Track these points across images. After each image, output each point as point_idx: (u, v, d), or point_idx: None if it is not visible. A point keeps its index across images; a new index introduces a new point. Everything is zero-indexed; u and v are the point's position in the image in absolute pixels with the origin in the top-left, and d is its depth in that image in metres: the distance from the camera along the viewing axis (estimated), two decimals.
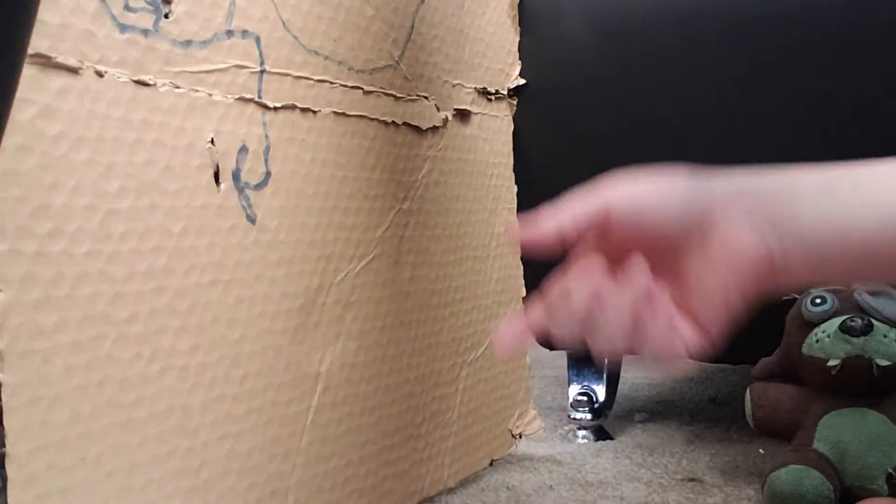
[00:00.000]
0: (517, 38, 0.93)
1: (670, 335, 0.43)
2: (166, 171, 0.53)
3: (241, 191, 0.59)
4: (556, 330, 0.44)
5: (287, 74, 0.62)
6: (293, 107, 0.62)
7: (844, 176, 0.44)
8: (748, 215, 0.43)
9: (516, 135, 0.92)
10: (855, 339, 0.72)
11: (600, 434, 1.01)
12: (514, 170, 0.92)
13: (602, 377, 1.04)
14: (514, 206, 0.91)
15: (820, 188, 0.43)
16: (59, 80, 0.47)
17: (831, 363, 0.72)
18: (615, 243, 0.45)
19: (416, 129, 0.76)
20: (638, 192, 0.45)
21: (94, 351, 0.49)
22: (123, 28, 0.51)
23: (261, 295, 0.60)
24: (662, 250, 0.45)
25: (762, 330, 0.82)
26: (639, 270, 0.42)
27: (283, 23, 0.61)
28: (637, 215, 0.44)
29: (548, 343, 1.15)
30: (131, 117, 0.51)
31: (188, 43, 0.54)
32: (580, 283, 0.42)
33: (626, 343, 0.43)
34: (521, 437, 0.93)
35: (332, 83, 0.66)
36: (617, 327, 0.42)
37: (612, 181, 0.45)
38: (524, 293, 0.92)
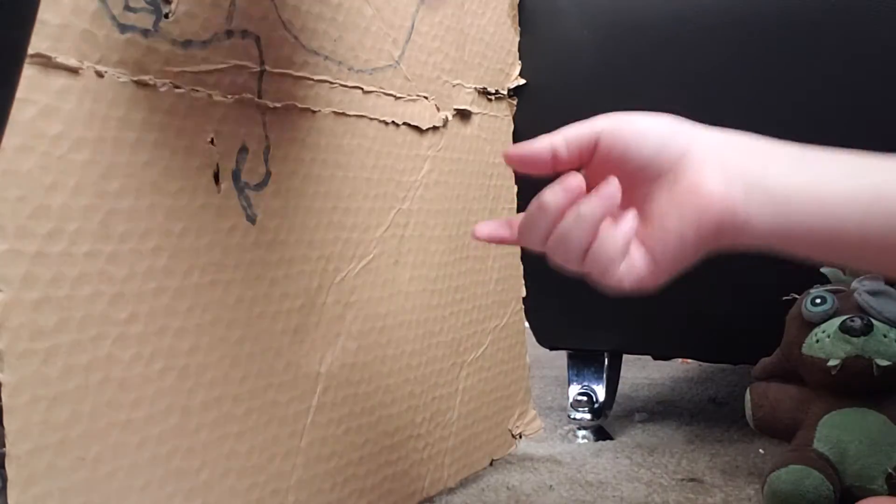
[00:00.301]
0: (517, 38, 0.93)
1: (622, 258, 0.44)
2: (166, 172, 0.53)
3: (241, 191, 0.59)
4: (525, 234, 0.46)
5: (287, 74, 0.62)
6: (293, 107, 0.62)
7: (819, 152, 0.45)
8: (721, 165, 0.45)
9: (516, 135, 0.92)
10: (855, 339, 0.72)
11: (600, 434, 1.01)
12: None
13: (602, 377, 1.04)
14: (514, 206, 0.91)
15: (793, 156, 0.45)
16: (59, 80, 0.47)
17: (831, 363, 0.72)
18: (598, 168, 0.47)
19: (416, 129, 0.76)
20: (627, 121, 0.47)
21: (95, 351, 0.49)
22: (123, 28, 0.51)
23: (261, 295, 0.60)
24: (637, 181, 0.47)
25: (762, 330, 0.82)
26: (611, 189, 0.44)
27: (283, 23, 0.61)
28: (622, 141, 0.46)
29: (548, 343, 1.15)
30: (131, 117, 0.51)
31: (188, 43, 0.54)
32: (555, 195, 0.44)
33: (581, 257, 0.45)
34: (521, 437, 0.93)
35: (331, 83, 0.66)
36: (577, 240, 0.44)
37: (605, 115, 0.47)
38: (524, 293, 0.92)
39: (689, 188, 0.44)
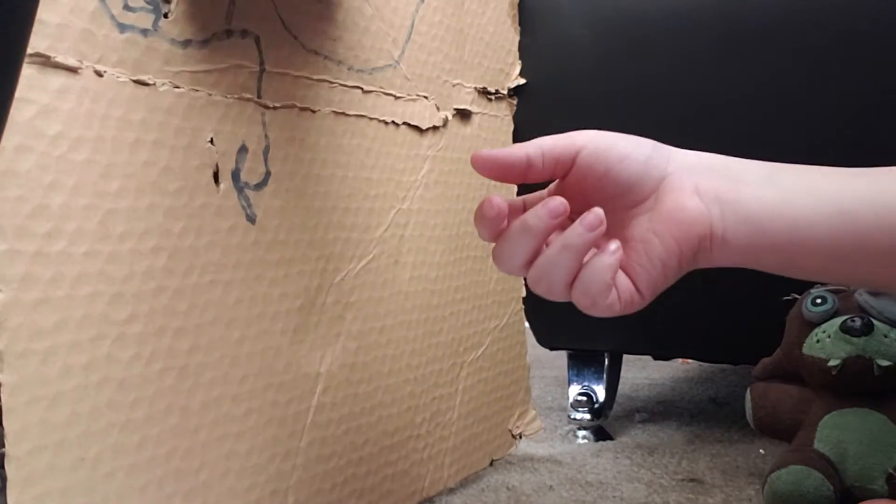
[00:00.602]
0: (517, 38, 0.93)
1: (609, 290, 0.44)
2: (166, 171, 0.53)
3: (240, 191, 0.59)
4: (505, 258, 0.45)
5: (287, 74, 0.62)
6: (293, 106, 0.62)
7: (788, 169, 0.46)
8: (696, 187, 0.45)
9: (516, 135, 0.92)
10: (855, 340, 0.72)
11: (600, 434, 1.01)
12: None
13: (602, 377, 1.04)
14: None
15: (764, 175, 0.46)
16: (58, 79, 0.47)
17: (832, 363, 0.72)
18: (571, 184, 0.47)
19: (416, 128, 0.76)
20: (609, 140, 0.47)
21: (94, 351, 0.49)
22: (123, 28, 0.51)
23: (260, 295, 0.60)
24: (615, 205, 0.47)
25: (762, 330, 0.82)
26: (597, 220, 0.43)
27: (283, 22, 0.61)
28: (603, 164, 0.46)
29: (548, 343, 1.15)
30: (131, 117, 0.51)
31: (188, 42, 0.54)
32: (540, 219, 0.43)
33: (566, 288, 0.44)
34: (521, 437, 0.93)
35: (331, 83, 0.66)
36: (562, 271, 0.44)
37: (584, 131, 0.46)
38: (524, 293, 0.92)
39: (669, 213, 0.45)
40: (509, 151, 0.46)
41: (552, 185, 0.50)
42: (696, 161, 0.46)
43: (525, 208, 0.48)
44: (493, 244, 0.46)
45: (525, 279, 0.45)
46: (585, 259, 0.44)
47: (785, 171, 0.45)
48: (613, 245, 0.44)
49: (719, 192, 0.45)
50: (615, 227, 0.46)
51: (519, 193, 0.92)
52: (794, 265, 0.45)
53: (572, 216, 0.44)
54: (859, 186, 0.43)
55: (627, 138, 0.46)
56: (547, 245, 0.44)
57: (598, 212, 0.43)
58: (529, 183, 0.47)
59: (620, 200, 0.46)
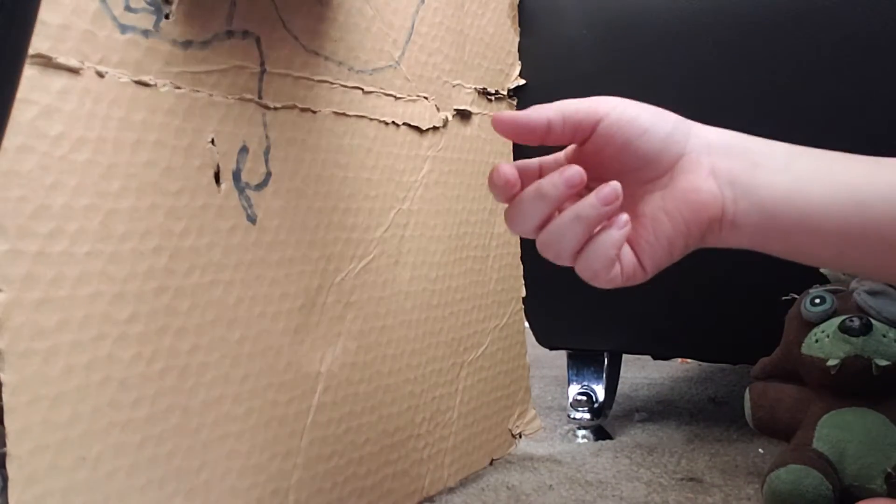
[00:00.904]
0: (517, 39, 0.93)
1: (613, 263, 0.44)
2: (167, 172, 0.53)
3: (241, 191, 0.59)
4: (517, 220, 0.45)
5: (287, 75, 0.62)
6: (293, 107, 0.63)
7: (805, 154, 0.45)
8: (713, 169, 0.45)
9: None
10: (854, 339, 0.72)
11: (600, 434, 1.01)
12: None
13: (602, 377, 1.04)
14: None
15: (782, 159, 0.45)
16: (59, 80, 0.47)
17: (830, 363, 0.72)
18: (589, 151, 0.46)
19: (416, 129, 0.76)
20: (631, 112, 0.46)
21: (95, 351, 0.50)
22: (124, 28, 0.51)
23: (261, 295, 0.60)
24: (631, 178, 0.46)
25: (761, 330, 0.82)
26: (613, 194, 0.43)
27: (284, 23, 0.62)
28: (623, 135, 0.45)
29: (548, 343, 1.15)
30: (132, 118, 0.51)
31: (189, 43, 0.54)
32: (556, 187, 0.44)
33: (573, 256, 0.44)
34: (521, 436, 0.93)
35: (332, 83, 0.66)
36: (571, 240, 0.44)
37: (608, 98, 0.46)
38: (524, 293, 0.93)
39: (683, 194, 0.45)
40: (530, 114, 0.46)
41: (569, 150, 0.49)
42: (717, 139, 0.46)
43: (541, 172, 0.48)
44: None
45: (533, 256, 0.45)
46: (595, 230, 0.44)
47: (804, 156, 0.45)
48: (623, 219, 0.44)
49: (734, 175, 0.44)
50: (626, 200, 0.46)
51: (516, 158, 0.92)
52: (803, 252, 0.45)
53: (588, 184, 0.44)
54: (878, 177, 0.43)
55: (650, 111, 0.46)
56: (560, 211, 0.44)
57: (615, 186, 0.43)
58: (548, 146, 0.47)
59: (636, 175, 0.46)
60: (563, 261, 0.45)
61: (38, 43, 0.46)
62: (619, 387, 1.09)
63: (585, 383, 1.04)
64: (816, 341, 0.74)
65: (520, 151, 0.92)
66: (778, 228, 0.44)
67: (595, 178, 0.45)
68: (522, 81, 0.93)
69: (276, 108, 0.61)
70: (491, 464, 0.89)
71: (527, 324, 0.96)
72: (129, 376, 0.51)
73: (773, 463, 0.72)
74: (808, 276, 0.78)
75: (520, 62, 0.93)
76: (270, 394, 0.61)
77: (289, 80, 0.62)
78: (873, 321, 0.72)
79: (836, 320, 0.74)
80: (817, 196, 0.43)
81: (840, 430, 0.72)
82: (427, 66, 0.78)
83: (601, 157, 0.46)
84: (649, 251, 0.45)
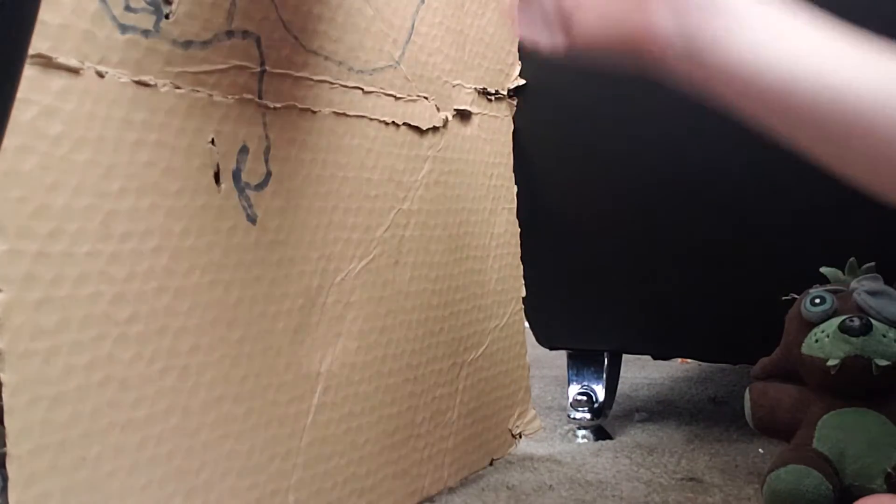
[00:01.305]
0: (517, 39, 0.93)
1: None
2: (167, 172, 0.53)
3: (241, 191, 0.59)
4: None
5: (287, 75, 0.62)
6: (293, 107, 0.63)
7: (777, 16, 0.44)
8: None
9: (516, 135, 0.92)
10: (854, 339, 0.72)
11: (600, 434, 1.01)
12: (514, 170, 0.92)
13: (602, 377, 1.04)
14: (514, 206, 0.91)
15: (751, 18, 0.44)
16: (60, 80, 0.47)
17: (830, 363, 0.72)
18: None
19: (416, 129, 0.76)
20: None
21: (95, 351, 0.50)
22: (124, 29, 0.51)
23: (261, 295, 0.60)
24: None
25: (761, 330, 0.82)
26: None
27: (284, 23, 0.62)
28: None
29: (548, 343, 1.15)
30: (132, 118, 0.51)
31: (189, 43, 0.54)
32: None
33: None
34: (521, 436, 0.93)
35: (332, 83, 0.66)
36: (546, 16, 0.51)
37: None
38: (524, 293, 0.93)
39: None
40: None
41: None
42: None
43: None
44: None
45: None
46: None
47: (771, 13, 0.44)
48: None
49: (690, 22, 0.44)
50: None
51: (516, 172, 0.92)
52: (742, 104, 0.44)
53: None
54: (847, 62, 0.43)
55: None
56: None
57: None
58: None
59: None
60: None
61: (38, 43, 0.46)
62: (619, 387, 1.09)
63: (585, 383, 1.04)
64: (816, 341, 0.74)
65: (520, 151, 0.92)
66: (725, 70, 0.44)
67: None
68: (522, 81, 0.93)
69: (276, 108, 0.61)
70: (491, 464, 0.89)
71: (527, 324, 0.96)
72: (129, 376, 0.51)
73: (773, 463, 0.72)
74: (808, 276, 0.78)
75: (520, 62, 0.93)
76: (270, 394, 0.61)
77: (289, 80, 0.62)
78: (873, 321, 0.72)
79: (836, 320, 0.74)
80: (772, 50, 0.43)
81: (840, 430, 0.72)
82: (427, 66, 0.78)
83: None
84: (578, 31, 0.53)
